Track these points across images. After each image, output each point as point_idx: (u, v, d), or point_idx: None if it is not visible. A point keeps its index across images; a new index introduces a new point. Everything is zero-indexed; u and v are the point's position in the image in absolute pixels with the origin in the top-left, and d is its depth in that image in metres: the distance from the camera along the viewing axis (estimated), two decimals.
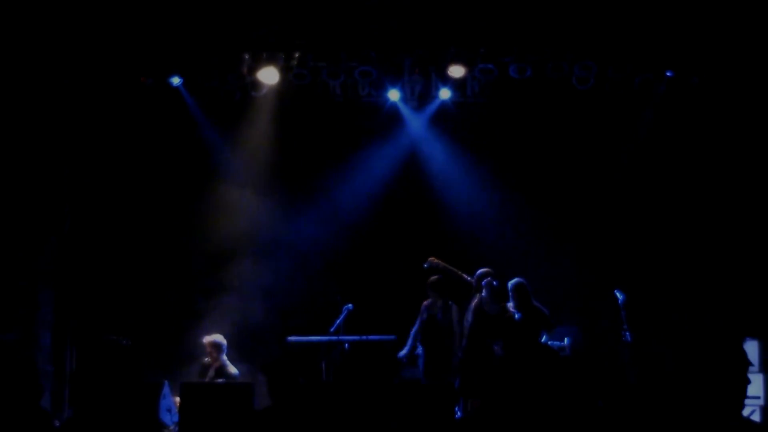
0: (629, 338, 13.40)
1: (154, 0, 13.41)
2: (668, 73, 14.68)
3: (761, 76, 13.33)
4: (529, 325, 13.41)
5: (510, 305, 13.62)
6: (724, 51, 13.71)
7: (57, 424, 8.77)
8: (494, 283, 13.49)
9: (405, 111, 16.06)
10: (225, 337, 14.10)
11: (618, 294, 13.61)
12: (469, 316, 13.80)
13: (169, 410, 12.34)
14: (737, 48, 13.44)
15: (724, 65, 13.85)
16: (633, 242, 15.53)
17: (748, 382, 4.71)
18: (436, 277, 14.04)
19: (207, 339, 13.74)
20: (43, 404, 7.26)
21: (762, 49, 13.21)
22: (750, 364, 4.67)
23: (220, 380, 13.35)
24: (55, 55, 13.38)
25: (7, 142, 13.18)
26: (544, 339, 13.49)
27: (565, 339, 13.97)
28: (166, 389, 12.46)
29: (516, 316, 13.50)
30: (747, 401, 6.49)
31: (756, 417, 12.53)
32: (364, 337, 14.04)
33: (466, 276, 14.00)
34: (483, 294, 13.61)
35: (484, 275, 13.70)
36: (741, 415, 4.72)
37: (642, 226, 15.53)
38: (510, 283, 13.60)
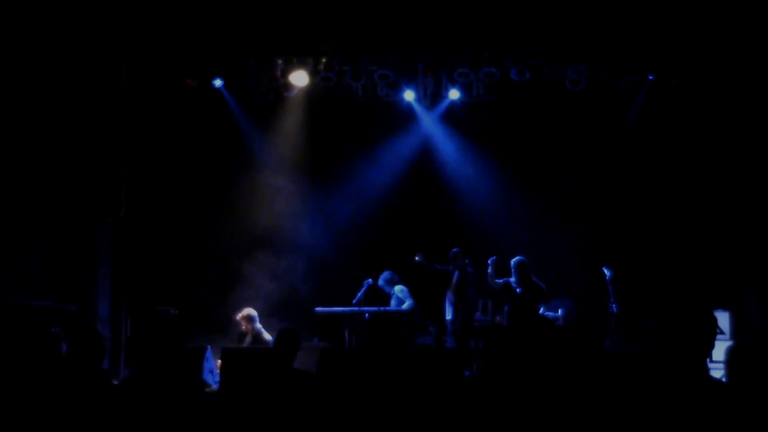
0: (615, 309, 13.46)
1: (199, 13, 13.41)
2: (650, 77, 14.70)
3: (731, 79, 13.32)
4: (529, 298, 13.48)
5: (512, 280, 13.70)
6: (699, 57, 13.69)
7: (115, 382, 8.83)
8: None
9: (418, 109, 16.07)
10: (260, 308, 14.16)
11: (606, 271, 13.68)
12: (449, 294, 14.09)
13: (211, 372, 12.37)
14: (710, 55, 13.42)
15: (699, 70, 13.84)
16: (619, 226, 15.54)
17: (713, 347, 4.74)
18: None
19: (239, 316, 13.74)
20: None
21: (732, 55, 13.19)
22: (721, 332, 4.71)
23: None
24: (116, 60, 13.44)
25: (72, 137, 13.24)
26: (541, 310, 13.54)
27: (560, 310, 13.98)
28: (209, 353, 12.48)
29: (517, 290, 13.57)
30: (718, 365, 6.51)
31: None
32: (382, 309, 14.09)
33: (442, 267, 14.18)
34: (489, 271, 13.74)
35: (456, 254, 14.18)
36: (709, 375, 4.76)
37: (628, 212, 15.54)
38: (512, 261, 13.69)
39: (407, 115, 16.14)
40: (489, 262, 13.85)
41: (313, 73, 15.13)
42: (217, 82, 15.41)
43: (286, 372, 7.57)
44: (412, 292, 14.55)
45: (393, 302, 14.45)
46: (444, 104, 15.94)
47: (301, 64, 15.09)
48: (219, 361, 11.74)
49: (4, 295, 12.22)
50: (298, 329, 11.12)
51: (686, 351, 4.61)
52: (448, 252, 14.44)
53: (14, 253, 12.75)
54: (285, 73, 15.22)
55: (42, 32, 12.72)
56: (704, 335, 4.66)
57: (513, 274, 13.70)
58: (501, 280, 13.84)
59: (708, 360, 4.83)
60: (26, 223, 12.97)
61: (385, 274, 14.57)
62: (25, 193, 12.78)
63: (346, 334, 14.14)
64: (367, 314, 13.93)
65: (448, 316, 14.30)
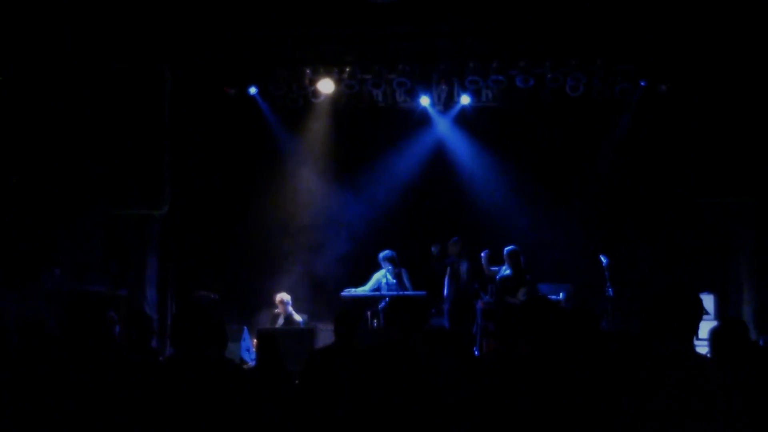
0: (611, 293, 13.48)
1: (235, 28, 13.48)
2: (642, 83, 14.70)
3: (714, 85, 13.30)
4: (515, 282, 13.60)
5: (504, 267, 13.82)
6: (685, 66, 13.67)
7: (161, 359, 8.88)
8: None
9: (433, 113, 16.07)
10: (291, 292, 14.25)
11: (602, 258, 13.69)
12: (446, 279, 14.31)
13: (248, 350, 12.44)
14: (695, 63, 13.40)
15: (686, 77, 13.81)
16: (615, 217, 15.54)
17: (699, 326, 4.76)
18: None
19: (276, 298, 13.92)
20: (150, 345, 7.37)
21: (713, 63, 13.18)
22: (706, 312, 4.71)
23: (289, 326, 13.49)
24: (162, 71, 13.52)
25: (123, 141, 13.31)
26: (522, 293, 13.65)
27: (561, 294, 13.98)
28: (246, 333, 12.56)
29: (508, 271, 13.69)
30: (704, 342, 6.50)
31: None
32: (401, 293, 14.10)
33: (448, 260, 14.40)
34: (483, 263, 14.09)
35: (455, 242, 14.34)
36: (696, 351, 4.77)
37: (623, 204, 15.53)
38: (506, 249, 13.79)
39: (423, 118, 16.12)
40: (482, 255, 14.01)
41: (338, 81, 15.16)
42: (252, 90, 15.47)
43: (349, 350, 7.55)
44: (423, 277, 14.65)
45: (405, 279, 14.40)
46: (456, 109, 15.92)
47: (327, 73, 15.13)
48: (255, 340, 11.80)
49: (66, 282, 12.30)
50: (325, 311, 11.16)
51: (675, 330, 4.62)
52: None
53: (74, 244, 12.83)
54: (313, 81, 15.25)
55: (98, 48, 12.82)
56: (691, 316, 4.68)
57: (505, 261, 13.81)
58: (496, 267, 13.99)
59: (695, 338, 4.85)
60: (83, 219, 13.05)
61: (389, 252, 14.52)
62: (82, 192, 12.87)
63: (369, 315, 14.19)
64: (387, 298, 13.97)
65: (445, 299, 14.40)
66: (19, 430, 4.46)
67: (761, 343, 10.44)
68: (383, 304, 14.09)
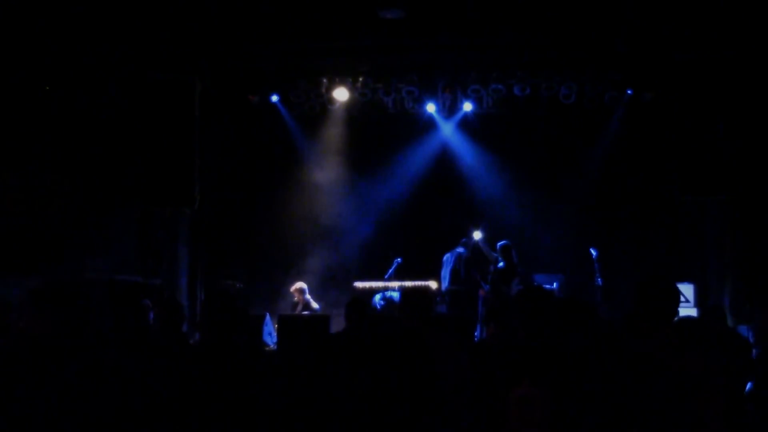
0: (600, 283, 13.49)
1: (259, 42, 13.50)
2: (628, 91, 14.72)
3: (695, 93, 13.26)
4: (508, 273, 13.63)
5: (498, 259, 13.89)
6: (668, 75, 13.63)
7: (191, 343, 8.90)
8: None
9: (438, 119, 16.11)
10: (309, 282, 14.26)
11: (592, 251, 13.72)
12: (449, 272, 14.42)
13: (270, 334, 12.45)
14: (677, 73, 13.35)
15: (668, 85, 13.77)
16: (604, 213, 15.56)
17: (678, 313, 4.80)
18: None
19: (293, 288, 13.91)
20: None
21: (695, 73, 13.15)
22: (686, 300, 4.73)
23: (306, 312, 13.49)
24: (192, 80, 13.54)
25: (156, 144, 13.33)
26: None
27: (554, 284, 14.00)
28: (268, 319, 12.56)
29: (501, 264, 13.74)
30: None
31: None
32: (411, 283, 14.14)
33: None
34: (481, 245, 14.39)
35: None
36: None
37: (611, 201, 15.57)
38: (499, 244, 13.85)
39: (429, 124, 16.18)
40: (474, 238, 14.26)
41: (352, 90, 15.18)
42: (274, 98, 15.54)
43: (359, 334, 7.58)
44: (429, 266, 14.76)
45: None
46: (459, 115, 15.96)
47: (342, 83, 15.15)
48: (276, 325, 11.82)
49: (105, 272, 12.33)
50: (341, 299, 11.15)
51: (655, 316, 4.64)
52: (461, 235, 14.61)
53: (112, 238, 12.87)
54: (329, 89, 15.28)
55: (136, 60, 12.90)
56: (670, 303, 4.70)
57: (498, 254, 13.84)
58: (495, 254, 14.07)
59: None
60: (121, 215, 13.09)
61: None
62: (120, 191, 12.91)
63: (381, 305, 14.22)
64: (396, 288, 13.99)
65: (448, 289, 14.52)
66: (58, 410, 4.48)
67: (744, 332, 10.43)
68: (384, 295, 14.14)
